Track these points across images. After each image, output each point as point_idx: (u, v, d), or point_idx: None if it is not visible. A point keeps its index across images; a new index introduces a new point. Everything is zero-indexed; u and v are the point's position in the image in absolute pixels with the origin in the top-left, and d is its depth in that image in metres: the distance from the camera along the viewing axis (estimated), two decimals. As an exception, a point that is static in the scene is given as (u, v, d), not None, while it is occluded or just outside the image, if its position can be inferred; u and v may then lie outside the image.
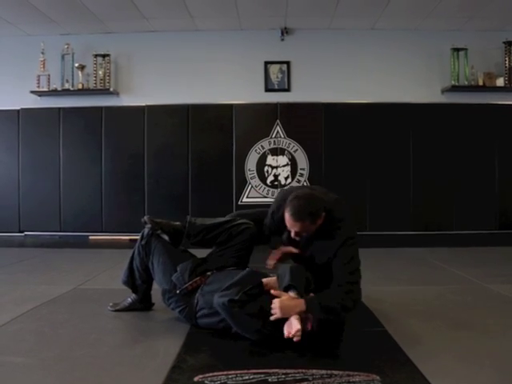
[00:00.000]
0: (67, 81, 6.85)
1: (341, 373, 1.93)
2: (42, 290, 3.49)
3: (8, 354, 2.19)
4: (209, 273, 2.68)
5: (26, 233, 6.98)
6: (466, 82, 6.79)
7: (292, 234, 2.57)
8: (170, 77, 6.93)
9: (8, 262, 4.86)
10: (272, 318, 2.29)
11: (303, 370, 1.95)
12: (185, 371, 1.99)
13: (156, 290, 2.91)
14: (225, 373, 1.93)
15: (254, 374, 1.93)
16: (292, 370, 1.95)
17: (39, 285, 3.69)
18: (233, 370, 1.97)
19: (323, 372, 1.94)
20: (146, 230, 2.90)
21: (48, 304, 3.10)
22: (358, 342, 2.41)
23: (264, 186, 6.88)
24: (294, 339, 2.17)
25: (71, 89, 6.85)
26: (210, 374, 1.92)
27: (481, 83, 6.79)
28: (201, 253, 2.88)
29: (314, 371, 1.95)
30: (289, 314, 2.27)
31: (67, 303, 3.16)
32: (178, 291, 2.64)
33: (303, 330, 2.20)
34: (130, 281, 2.94)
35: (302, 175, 6.84)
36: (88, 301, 3.21)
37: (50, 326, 2.63)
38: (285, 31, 6.90)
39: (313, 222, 2.50)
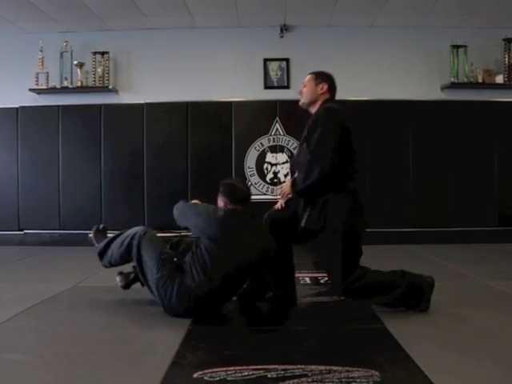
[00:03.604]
0: (66, 78, 6.84)
1: (340, 369, 1.93)
2: (41, 287, 3.49)
3: (8, 352, 2.19)
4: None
5: (25, 231, 6.97)
6: (466, 79, 6.78)
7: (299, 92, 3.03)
8: (169, 74, 6.92)
9: (7, 260, 4.86)
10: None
11: (302, 366, 1.96)
12: (184, 367, 1.99)
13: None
14: (224, 369, 1.94)
15: (254, 370, 1.93)
16: (291, 366, 1.96)
17: (39, 283, 3.69)
18: (232, 366, 1.97)
19: (322, 368, 1.94)
20: (139, 230, 2.99)
21: (48, 302, 3.10)
22: (357, 338, 2.41)
23: (263, 183, 6.88)
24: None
25: (70, 86, 6.84)
26: (210, 371, 1.92)
27: (480, 80, 6.79)
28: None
29: (313, 367, 1.95)
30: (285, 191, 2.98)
31: (67, 301, 3.17)
32: (175, 259, 2.82)
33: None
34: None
35: (301, 172, 6.84)
36: (87, 298, 3.21)
37: (49, 323, 2.63)
38: (284, 28, 6.89)
39: (316, 78, 2.95)
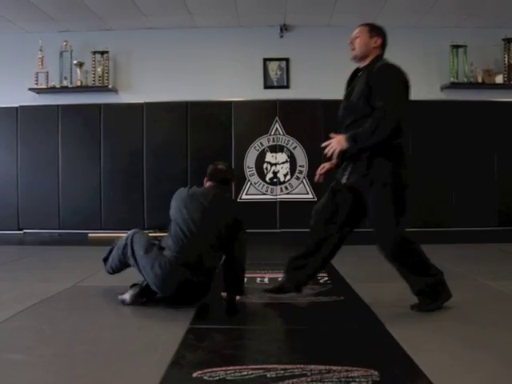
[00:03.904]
0: (65, 78, 6.84)
1: (339, 368, 1.93)
2: (41, 287, 3.48)
3: (7, 351, 2.18)
4: None
5: (24, 230, 6.98)
6: (465, 79, 6.79)
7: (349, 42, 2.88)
8: (169, 74, 6.92)
9: (7, 259, 4.85)
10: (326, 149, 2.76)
11: (302, 366, 1.95)
12: (184, 367, 1.99)
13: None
14: (223, 369, 1.93)
15: (253, 369, 1.93)
16: (290, 366, 1.95)
17: (38, 282, 3.68)
18: (231, 365, 1.97)
19: (322, 367, 1.94)
20: (130, 232, 3.13)
21: (47, 301, 3.10)
22: (356, 338, 2.41)
23: (263, 183, 6.88)
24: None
25: (70, 86, 6.85)
26: (209, 370, 1.92)
27: (480, 80, 6.80)
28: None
29: (313, 367, 1.95)
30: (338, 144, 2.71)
31: (66, 300, 3.16)
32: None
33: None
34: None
35: (301, 172, 6.85)
36: (87, 298, 3.21)
37: (49, 323, 2.63)
38: (284, 28, 6.90)
39: (371, 31, 2.82)
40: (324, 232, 2.98)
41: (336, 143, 2.73)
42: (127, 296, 2.97)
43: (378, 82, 2.71)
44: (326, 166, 3.04)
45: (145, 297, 2.99)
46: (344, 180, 2.84)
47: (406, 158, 2.83)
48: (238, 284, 3.11)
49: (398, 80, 2.76)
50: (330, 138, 2.78)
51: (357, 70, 2.97)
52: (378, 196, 2.75)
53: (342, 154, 2.79)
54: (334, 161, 2.95)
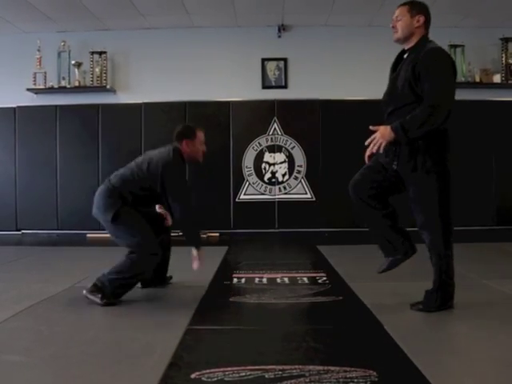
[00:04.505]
0: (64, 78, 6.84)
1: (337, 369, 1.93)
2: (39, 288, 3.48)
3: (5, 353, 2.18)
4: None
5: (23, 231, 6.97)
6: (463, 79, 6.79)
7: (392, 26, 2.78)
8: (167, 74, 6.91)
9: (5, 260, 4.85)
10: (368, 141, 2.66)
11: (300, 367, 1.95)
12: (182, 368, 1.98)
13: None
14: (222, 370, 1.93)
15: (251, 370, 1.93)
16: (289, 367, 1.95)
17: (36, 283, 3.68)
18: (230, 366, 1.96)
19: (320, 368, 1.94)
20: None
21: (45, 302, 3.09)
22: (354, 339, 2.41)
23: (261, 183, 6.88)
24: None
25: (68, 86, 6.84)
26: (207, 371, 1.92)
27: (478, 80, 6.81)
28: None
29: (311, 367, 1.95)
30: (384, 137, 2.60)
31: (64, 301, 3.15)
32: None
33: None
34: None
35: (299, 172, 6.84)
36: (85, 299, 3.19)
37: (46, 324, 2.63)
38: (282, 28, 6.90)
39: (411, 10, 2.70)
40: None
41: (381, 136, 2.62)
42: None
43: (426, 68, 2.62)
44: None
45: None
46: (395, 166, 2.71)
47: (451, 143, 2.73)
48: (188, 238, 3.21)
49: (447, 66, 2.68)
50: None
51: (402, 52, 2.88)
52: (421, 183, 2.70)
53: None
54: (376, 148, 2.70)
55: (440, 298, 2.75)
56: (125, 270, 3.01)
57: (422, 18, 2.72)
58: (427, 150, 2.64)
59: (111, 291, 2.99)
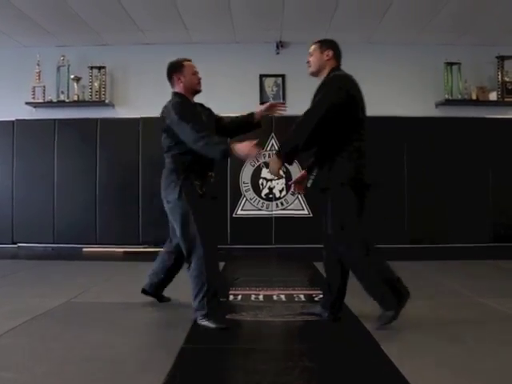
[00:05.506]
0: (62, 92, 6.86)
1: (334, 389, 1.92)
2: (34, 303, 3.46)
3: (-2, 370, 2.16)
4: None
5: (19, 244, 6.94)
6: (460, 96, 6.85)
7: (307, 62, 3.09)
8: (166, 89, 6.81)
9: (0, 274, 4.82)
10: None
11: (296, 387, 1.94)
12: (177, 387, 1.97)
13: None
14: (217, 389, 1.92)
15: (247, 390, 1.92)
16: (285, 387, 1.94)
17: (31, 298, 3.66)
18: (225, 386, 1.95)
19: (316, 388, 1.93)
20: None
21: (40, 318, 3.07)
22: (350, 357, 2.40)
23: (259, 198, 6.88)
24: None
25: (66, 100, 6.86)
26: (203, 391, 1.91)
27: (474, 97, 6.86)
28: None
29: (307, 388, 1.93)
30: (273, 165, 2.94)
31: (59, 317, 3.13)
32: None
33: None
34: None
35: (296, 188, 6.84)
36: (81, 315, 3.19)
37: (41, 340, 2.61)
38: (280, 45, 6.96)
39: (321, 46, 3.00)
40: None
41: (271, 164, 2.96)
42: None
43: (317, 92, 2.92)
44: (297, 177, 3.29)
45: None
46: (309, 184, 3.00)
47: (367, 158, 2.96)
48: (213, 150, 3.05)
49: (330, 91, 2.85)
50: None
51: None
52: (335, 195, 2.86)
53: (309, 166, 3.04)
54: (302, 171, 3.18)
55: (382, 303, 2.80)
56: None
57: (330, 52, 3.00)
58: (341, 165, 2.83)
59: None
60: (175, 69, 3.29)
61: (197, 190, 3.02)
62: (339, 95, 2.81)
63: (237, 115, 3.46)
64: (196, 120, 3.09)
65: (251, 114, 3.39)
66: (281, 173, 3.10)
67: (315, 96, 2.92)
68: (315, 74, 3.07)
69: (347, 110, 2.82)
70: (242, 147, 2.89)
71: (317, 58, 3.02)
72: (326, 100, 2.81)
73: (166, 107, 3.20)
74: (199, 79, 3.34)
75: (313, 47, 3.06)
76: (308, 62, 3.09)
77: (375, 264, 2.84)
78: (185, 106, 3.17)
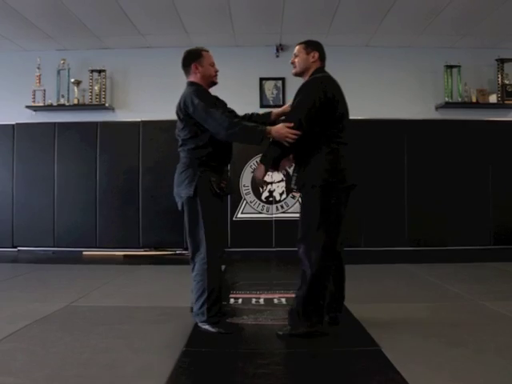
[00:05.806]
0: (63, 96, 6.87)
1: (335, 393, 1.91)
2: (34, 307, 3.45)
3: (-2, 374, 2.16)
4: None
5: (19, 248, 6.93)
6: (460, 99, 6.86)
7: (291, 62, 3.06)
8: (166, 92, 6.92)
9: (0, 277, 4.82)
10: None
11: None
12: (177, 392, 1.97)
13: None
14: (218, 394, 1.91)
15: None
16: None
17: (31, 302, 3.65)
18: (226, 390, 1.95)
19: (317, 393, 1.92)
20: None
21: (40, 322, 3.07)
22: (351, 361, 2.39)
23: (259, 201, 6.88)
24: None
25: (67, 104, 6.87)
26: (203, 395, 1.90)
27: (474, 100, 6.87)
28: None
29: (308, 392, 1.93)
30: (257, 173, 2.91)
31: (60, 321, 3.13)
32: None
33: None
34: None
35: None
36: (81, 319, 3.18)
37: (41, 344, 2.60)
38: (280, 48, 6.96)
39: (306, 48, 2.97)
40: None
41: (257, 172, 2.94)
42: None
43: (296, 95, 2.94)
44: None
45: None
46: (292, 185, 3.00)
47: (346, 160, 2.85)
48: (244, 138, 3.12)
49: (308, 95, 2.86)
50: None
51: None
52: (304, 197, 2.90)
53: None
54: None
55: (303, 315, 2.77)
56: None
57: (316, 54, 2.99)
58: (315, 167, 2.81)
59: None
60: (194, 57, 3.20)
61: (213, 188, 2.94)
62: (317, 97, 2.81)
63: (252, 112, 3.44)
64: (219, 109, 3.01)
65: (268, 114, 3.34)
66: (266, 178, 3.08)
67: (295, 98, 2.94)
68: (300, 74, 3.07)
69: (324, 112, 2.81)
70: (279, 129, 2.84)
71: (302, 59, 3.00)
72: (305, 103, 2.83)
73: (182, 96, 3.13)
74: (217, 71, 3.25)
75: (298, 48, 3.04)
76: (293, 63, 3.07)
77: (327, 279, 2.86)
78: (208, 93, 3.13)
